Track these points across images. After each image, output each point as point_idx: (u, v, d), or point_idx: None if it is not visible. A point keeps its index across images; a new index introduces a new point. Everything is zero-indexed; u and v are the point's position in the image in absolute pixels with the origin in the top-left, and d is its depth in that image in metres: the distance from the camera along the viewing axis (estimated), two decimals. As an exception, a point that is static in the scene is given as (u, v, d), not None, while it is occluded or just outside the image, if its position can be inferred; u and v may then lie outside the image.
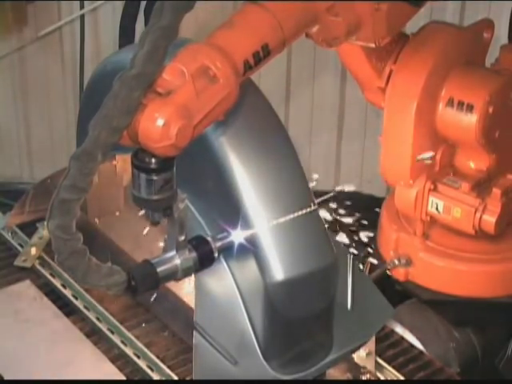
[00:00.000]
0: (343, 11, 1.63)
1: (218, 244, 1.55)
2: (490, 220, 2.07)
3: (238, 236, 1.55)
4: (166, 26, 1.29)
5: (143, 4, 2.86)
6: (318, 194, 1.74)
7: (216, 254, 1.55)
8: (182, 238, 1.51)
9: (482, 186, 2.11)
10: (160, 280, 1.49)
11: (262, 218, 1.53)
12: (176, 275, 1.51)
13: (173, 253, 1.51)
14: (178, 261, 1.50)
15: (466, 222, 2.09)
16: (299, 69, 3.45)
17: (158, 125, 1.29)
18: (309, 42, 3.19)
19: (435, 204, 2.12)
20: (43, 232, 2.10)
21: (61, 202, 1.30)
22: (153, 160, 1.34)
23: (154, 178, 1.36)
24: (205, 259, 1.53)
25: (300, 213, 1.56)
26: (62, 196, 1.30)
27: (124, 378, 1.73)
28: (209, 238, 1.54)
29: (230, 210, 1.55)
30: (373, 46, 1.72)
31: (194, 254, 1.52)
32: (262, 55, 1.44)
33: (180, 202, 1.46)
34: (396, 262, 2.24)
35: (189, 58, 1.37)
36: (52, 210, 1.30)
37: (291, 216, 1.55)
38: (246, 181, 1.54)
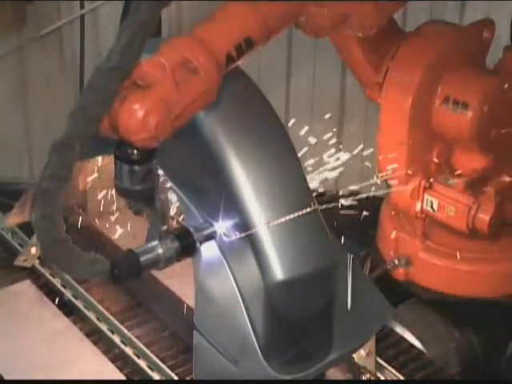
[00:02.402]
0: (329, 3, 1.63)
1: (201, 234, 1.57)
2: (483, 219, 2.07)
3: (221, 227, 1.56)
4: (143, 20, 1.31)
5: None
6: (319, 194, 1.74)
7: (198, 245, 1.56)
8: (164, 227, 1.53)
9: (476, 186, 2.11)
10: (142, 269, 1.51)
11: (262, 218, 1.53)
12: (158, 264, 1.53)
13: (155, 242, 1.53)
14: (160, 250, 1.52)
15: (460, 220, 2.09)
16: (299, 66, 3.45)
17: (138, 117, 1.30)
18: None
19: (430, 202, 2.13)
20: (43, 232, 2.10)
21: (42, 191, 1.32)
22: (134, 151, 1.36)
23: (136, 168, 1.38)
24: (187, 249, 1.55)
25: (300, 213, 1.56)
26: (43, 186, 1.31)
27: (124, 378, 1.73)
28: (191, 229, 1.56)
29: (227, 205, 1.56)
30: (361, 35, 1.72)
31: (176, 244, 1.54)
32: (245, 48, 1.44)
33: (162, 193, 1.49)
34: (396, 261, 2.24)
35: (170, 51, 1.38)
36: (34, 200, 1.32)
37: (291, 216, 1.55)
38: (246, 181, 1.54)
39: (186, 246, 1.55)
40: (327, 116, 3.42)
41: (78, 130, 1.30)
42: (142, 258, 1.50)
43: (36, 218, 1.32)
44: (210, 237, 1.57)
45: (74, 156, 1.31)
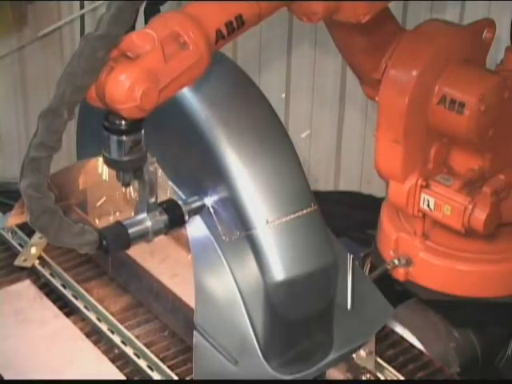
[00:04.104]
0: None
1: (189, 207, 1.59)
2: (479, 218, 2.07)
3: (209, 200, 1.59)
4: None
5: (143, 4, 2.86)
6: (318, 194, 1.74)
7: (187, 218, 1.58)
8: (153, 199, 1.55)
9: (473, 185, 2.11)
10: (131, 240, 1.53)
11: (262, 218, 1.53)
12: (147, 236, 1.55)
13: (144, 215, 1.54)
14: (148, 223, 1.54)
15: (456, 219, 2.09)
16: (299, 68, 3.45)
17: (124, 86, 1.32)
18: (311, 37, 3.15)
19: (427, 201, 2.13)
20: (43, 232, 2.10)
21: (31, 160, 1.33)
22: (122, 122, 1.38)
23: (124, 139, 1.40)
24: (175, 222, 1.57)
25: (300, 213, 1.56)
26: (32, 154, 1.32)
27: (124, 378, 1.73)
28: (180, 201, 1.58)
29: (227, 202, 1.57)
30: (354, 22, 1.72)
31: (164, 217, 1.55)
32: (236, 25, 1.46)
33: (150, 164, 1.50)
34: (396, 261, 2.24)
35: (160, 24, 1.40)
36: (23, 169, 1.33)
37: (291, 216, 1.55)
38: (247, 182, 1.55)
39: (175, 218, 1.57)
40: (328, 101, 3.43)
41: (65, 98, 1.32)
42: (131, 230, 1.52)
43: (25, 186, 1.33)
44: (199, 210, 1.59)
45: (61, 123, 1.32)
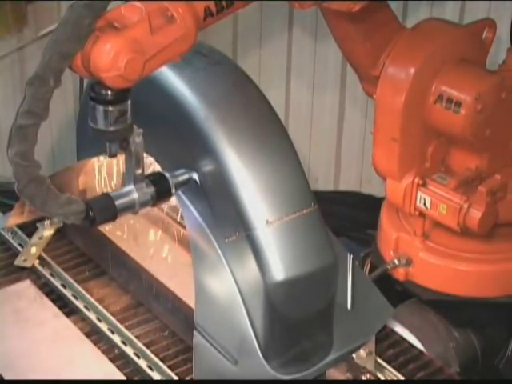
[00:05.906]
0: None
1: (176, 180, 1.60)
2: (474, 218, 2.07)
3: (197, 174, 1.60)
4: None
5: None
6: (318, 194, 1.74)
7: (173, 190, 1.59)
8: (139, 171, 1.55)
9: (470, 184, 2.11)
10: (117, 212, 1.53)
11: (262, 218, 1.53)
12: (133, 208, 1.56)
13: (131, 187, 1.55)
14: (135, 195, 1.55)
15: (452, 218, 2.09)
16: (299, 72, 3.45)
17: (108, 55, 1.33)
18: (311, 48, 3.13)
19: (423, 199, 2.13)
20: (43, 232, 2.10)
21: (18, 128, 1.33)
22: (109, 92, 1.39)
23: (110, 108, 1.41)
24: (162, 194, 1.58)
25: (300, 213, 1.56)
26: (19, 122, 1.33)
27: (124, 378, 1.73)
28: (167, 174, 1.59)
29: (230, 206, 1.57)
30: (345, 10, 1.72)
31: (151, 189, 1.56)
32: (225, 4, 1.47)
33: (136, 136, 1.51)
34: (396, 261, 2.24)
35: None
36: (10, 137, 1.34)
37: (291, 216, 1.55)
38: (247, 182, 1.55)
39: (162, 190, 1.58)
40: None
41: (52, 65, 1.33)
42: (118, 202, 1.53)
43: (12, 155, 1.34)
44: (185, 183, 1.60)
45: (47, 91, 1.33)
